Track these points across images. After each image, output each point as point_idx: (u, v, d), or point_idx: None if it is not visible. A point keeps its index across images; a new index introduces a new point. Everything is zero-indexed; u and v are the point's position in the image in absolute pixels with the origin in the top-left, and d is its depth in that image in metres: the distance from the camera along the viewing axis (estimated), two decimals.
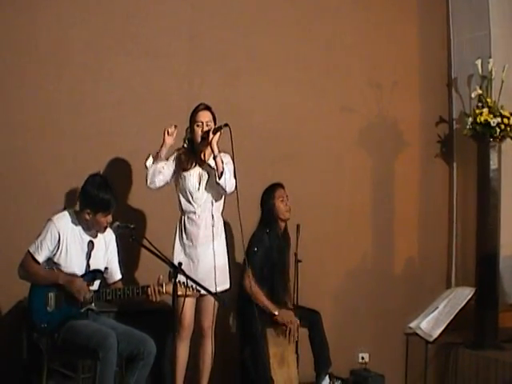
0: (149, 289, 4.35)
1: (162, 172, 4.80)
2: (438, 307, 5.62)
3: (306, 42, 6.24)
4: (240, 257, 5.41)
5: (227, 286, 4.96)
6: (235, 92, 5.98)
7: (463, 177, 6.69)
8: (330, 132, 6.34)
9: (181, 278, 4.09)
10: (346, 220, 6.39)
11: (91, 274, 4.47)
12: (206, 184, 4.86)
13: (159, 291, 4.35)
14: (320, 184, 6.25)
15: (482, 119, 5.96)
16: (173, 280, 3.99)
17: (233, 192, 4.79)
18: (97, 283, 4.51)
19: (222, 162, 4.76)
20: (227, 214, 5.00)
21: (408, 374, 5.88)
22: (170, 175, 4.88)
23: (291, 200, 5.55)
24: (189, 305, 4.75)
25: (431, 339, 5.49)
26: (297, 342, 5.61)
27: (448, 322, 5.50)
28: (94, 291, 4.45)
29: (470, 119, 6.07)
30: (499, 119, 5.93)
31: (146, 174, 4.82)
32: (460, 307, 5.57)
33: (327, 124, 6.33)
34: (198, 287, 4.22)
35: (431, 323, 5.53)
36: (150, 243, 4.11)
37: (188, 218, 4.87)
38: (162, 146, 4.83)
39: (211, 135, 4.77)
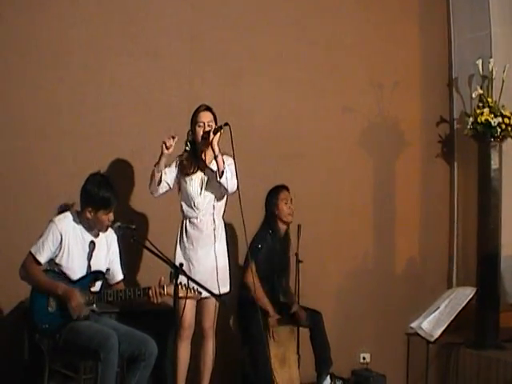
0: (150, 291, 4.35)
1: (161, 181, 4.81)
2: (439, 307, 5.62)
3: (306, 42, 6.25)
4: (242, 259, 5.41)
5: (227, 289, 4.95)
6: (236, 92, 5.98)
7: (464, 177, 6.70)
8: (331, 132, 6.35)
9: (182, 279, 4.09)
10: (347, 220, 6.39)
11: (93, 275, 4.47)
12: (209, 187, 4.86)
13: (160, 293, 4.34)
14: (321, 184, 6.25)
15: (483, 119, 5.96)
16: (174, 281, 3.99)
17: (234, 192, 4.79)
18: (98, 284, 4.51)
19: (223, 162, 4.76)
20: (228, 215, 5.00)
21: (409, 374, 5.89)
22: (172, 181, 4.89)
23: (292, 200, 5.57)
24: (190, 306, 4.75)
25: (432, 339, 5.49)
26: (298, 341, 5.63)
27: (449, 321, 5.51)
28: (96, 292, 4.45)
29: (471, 119, 6.08)
30: (500, 119, 5.94)
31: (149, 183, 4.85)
32: (461, 307, 5.57)
33: (328, 124, 6.33)
34: (199, 288, 4.22)
35: (432, 323, 5.53)
36: (152, 244, 4.11)
37: (190, 222, 4.88)
38: (160, 158, 4.78)
39: (212, 135, 4.78)
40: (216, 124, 4.87)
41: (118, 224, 4.34)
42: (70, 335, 4.33)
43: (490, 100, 6.06)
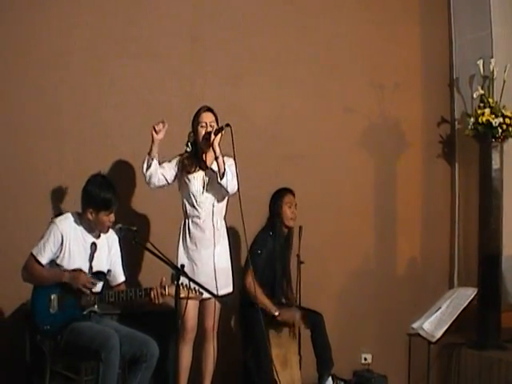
0: (152, 292, 4.36)
1: (157, 171, 4.80)
2: (440, 307, 5.62)
3: (308, 42, 6.25)
4: (243, 260, 5.41)
5: (230, 289, 4.96)
6: (237, 93, 5.99)
7: (465, 177, 6.69)
8: (332, 133, 6.34)
9: (183, 280, 4.09)
10: (349, 221, 6.39)
11: (94, 276, 4.47)
12: (210, 188, 4.87)
13: (162, 294, 4.35)
14: (322, 185, 6.25)
15: (484, 119, 5.95)
16: (175, 282, 3.99)
17: (235, 193, 4.79)
18: (100, 285, 4.51)
19: (224, 163, 4.76)
20: (230, 216, 5.00)
21: (411, 375, 5.89)
22: (171, 178, 4.89)
23: None
24: (192, 307, 4.74)
25: (434, 340, 5.48)
26: (299, 343, 5.62)
27: (450, 322, 5.50)
28: (97, 293, 4.45)
29: (472, 119, 6.07)
30: (501, 119, 5.93)
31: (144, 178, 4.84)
32: (462, 307, 5.56)
33: (329, 125, 6.33)
34: (201, 289, 4.22)
35: (434, 324, 5.53)
36: (153, 245, 4.11)
37: (192, 221, 4.88)
38: (151, 144, 4.79)
39: (213, 136, 4.78)
40: (218, 125, 4.87)
41: (120, 225, 4.34)
42: (71, 336, 4.34)
43: (491, 100, 6.05)
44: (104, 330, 4.35)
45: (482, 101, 6.11)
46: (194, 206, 4.88)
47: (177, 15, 5.83)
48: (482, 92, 6.10)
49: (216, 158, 4.77)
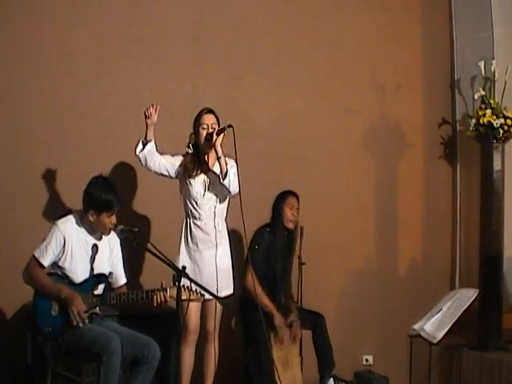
0: (154, 296, 4.35)
1: (155, 155, 4.80)
2: (441, 309, 5.62)
3: (309, 43, 6.25)
4: (241, 260, 5.40)
5: (231, 291, 4.96)
6: (238, 94, 5.99)
7: (466, 178, 6.69)
8: (334, 134, 6.35)
9: (185, 282, 4.09)
10: (350, 222, 6.39)
11: (95, 278, 4.48)
12: (212, 189, 4.87)
13: (164, 297, 4.34)
14: (323, 186, 6.25)
15: (485, 120, 5.96)
16: (177, 284, 3.99)
17: (237, 194, 4.80)
18: (101, 287, 4.51)
19: (226, 164, 4.77)
20: (231, 217, 5.00)
21: (412, 376, 5.88)
22: (172, 171, 4.88)
23: None
24: (194, 309, 4.75)
25: (435, 341, 5.48)
26: (301, 344, 5.62)
27: (452, 323, 5.50)
28: (99, 295, 4.45)
29: (473, 120, 6.07)
30: (502, 120, 5.93)
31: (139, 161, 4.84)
32: (464, 309, 5.57)
33: (330, 126, 6.34)
34: (202, 291, 4.22)
35: (435, 325, 5.53)
36: (154, 247, 4.11)
37: (193, 222, 4.89)
38: (146, 129, 4.79)
39: (215, 136, 4.78)
40: (219, 126, 4.87)
41: (121, 227, 4.34)
42: (72, 338, 4.33)
43: (492, 101, 6.05)
44: (105, 332, 4.34)
45: (483, 102, 6.11)
46: (194, 208, 4.89)
47: (178, 16, 5.83)
48: (483, 93, 6.10)
49: (218, 159, 4.77)
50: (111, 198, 4.42)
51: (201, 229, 4.88)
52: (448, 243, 6.81)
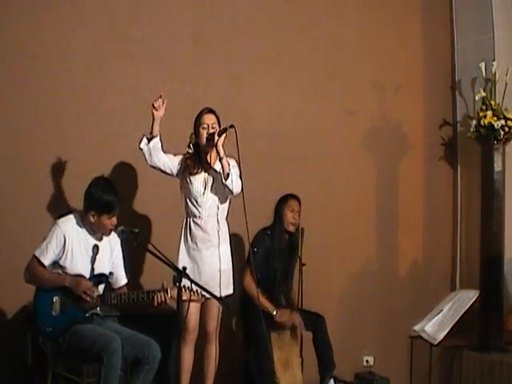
0: (155, 297, 4.35)
1: (160, 151, 4.78)
2: (442, 310, 5.61)
3: (309, 44, 6.25)
4: (243, 261, 5.40)
5: (230, 291, 4.96)
6: (239, 95, 5.99)
7: (467, 179, 6.69)
8: (334, 134, 6.35)
9: (185, 282, 4.09)
10: (350, 222, 6.39)
11: (96, 278, 4.48)
12: (212, 188, 4.87)
13: (165, 298, 4.34)
14: (324, 186, 6.25)
15: (486, 122, 5.96)
16: (177, 284, 3.99)
17: (239, 194, 4.80)
18: (101, 287, 4.52)
19: (229, 164, 4.77)
20: (232, 218, 5.00)
21: (413, 377, 5.88)
22: (173, 169, 4.87)
23: None
24: (194, 309, 4.75)
25: (436, 342, 5.48)
26: (301, 345, 5.62)
27: (452, 324, 5.50)
28: (99, 295, 4.45)
29: (474, 122, 6.07)
30: (503, 122, 5.93)
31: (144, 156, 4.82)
32: (464, 310, 5.56)
33: (331, 126, 6.34)
34: (203, 292, 4.22)
35: (436, 326, 5.53)
36: (155, 247, 4.11)
37: (193, 221, 4.89)
38: (152, 123, 4.78)
39: (217, 137, 4.78)
40: (220, 127, 4.88)
41: (122, 228, 4.34)
42: (73, 338, 4.34)
43: (493, 103, 6.05)
44: (106, 333, 4.34)
45: (484, 103, 6.11)
46: (194, 206, 4.88)
47: (179, 17, 5.83)
48: (484, 94, 6.10)
49: (220, 159, 4.77)
50: (112, 200, 4.42)
51: (200, 227, 4.87)
52: (448, 244, 6.81)
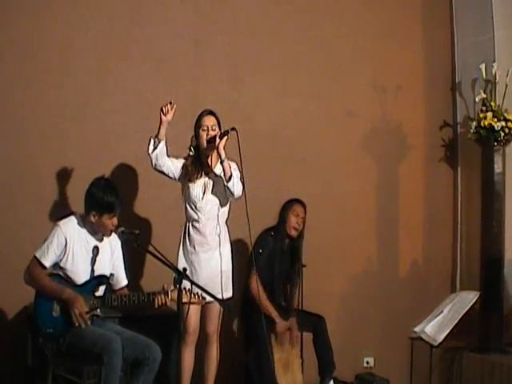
0: (155, 299, 4.35)
1: (165, 155, 4.78)
2: (442, 311, 5.61)
3: (310, 46, 6.26)
4: (245, 262, 5.39)
5: (230, 294, 4.95)
6: (240, 96, 6.00)
7: (467, 180, 6.69)
8: (335, 135, 6.35)
9: (186, 284, 4.09)
10: (351, 223, 6.39)
11: (96, 280, 4.48)
12: (212, 192, 4.87)
13: (165, 300, 4.34)
14: (324, 187, 6.25)
15: (486, 123, 5.96)
16: (177, 286, 3.99)
17: (240, 197, 4.79)
18: (102, 288, 4.51)
19: (230, 167, 4.77)
20: (233, 220, 5.00)
21: (413, 379, 5.88)
22: (176, 172, 4.86)
23: None
24: (194, 310, 4.74)
25: (436, 343, 5.47)
26: (301, 346, 5.62)
27: (453, 326, 5.49)
28: (99, 297, 4.45)
29: (474, 123, 6.08)
30: (503, 123, 5.93)
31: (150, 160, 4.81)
32: (464, 311, 5.56)
33: (332, 128, 6.34)
34: (203, 293, 4.22)
35: (436, 327, 5.52)
36: (155, 249, 4.11)
37: (192, 225, 4.89)
38: (159, 126, 4.77)
39: (218, 140, 4.78)
40: (220, 128, 4.87)
41: (122, 229, 4.34)
42: (73, 340, 4.33)
43: (493, 104, 6.05)
44: (106, 334, 4.34)
45: (484, 104, 6.11)
46: (193, 210, 4.88)
47: (180, 18, 5.84)
48: (484, 96, 6.11)
49: (221, 162, 4.76)
50: (113, 200, 4.42)
51: (199, 231, 4.87)
52: (449, 245, 6.81)
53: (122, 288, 4.64)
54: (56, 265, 4.43)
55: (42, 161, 5.37)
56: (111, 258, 4.59)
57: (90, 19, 5.55)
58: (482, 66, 6.15)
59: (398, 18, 6.62)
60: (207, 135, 4.84)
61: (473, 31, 6.59)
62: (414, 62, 6.70)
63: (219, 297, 4.66)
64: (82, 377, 4.43)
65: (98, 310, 4.45)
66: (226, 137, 4.77)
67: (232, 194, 4.80)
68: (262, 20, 6.12)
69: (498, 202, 6.05)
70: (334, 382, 5.55)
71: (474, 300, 5.65)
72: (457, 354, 5.97)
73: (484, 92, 6.12)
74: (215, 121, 4.89)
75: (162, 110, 4.76)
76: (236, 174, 4.80)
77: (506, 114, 5.98)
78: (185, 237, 4.91)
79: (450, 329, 5.48)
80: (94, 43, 5.55)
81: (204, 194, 4.87)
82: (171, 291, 4.33)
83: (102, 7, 5.59)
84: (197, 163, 4.90)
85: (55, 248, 4.39)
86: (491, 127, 5.94)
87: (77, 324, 4.32)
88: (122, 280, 4.65)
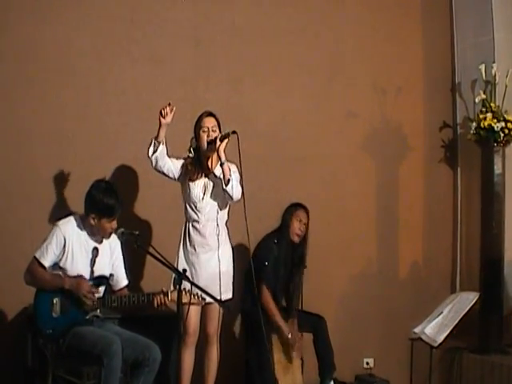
0: (155, 300, 4.35)
1: (165, 157, 4.78)
2: (442, 312, 5.61)
3: (310, 47, 6.25)
4: (244, 264, 5.38)
5: (230, 295, 4.95)
6: (240, 98, 5.99)
7: (467, 181, 6.69)
8: (335, 136, 6.35)
9: (186, 285, 4.09)
10: (351, 224, 6.39)
11: (96, 281, 4.48)
12: (212, 193, 4.87)
13: (165, 301, 4.34)
14: (324, 188, 6.25)
15: (486, 124, 5.96)
16: (177, 287, 3.99)
17: (239, 200, 4.79)
18: (102, 289, 4.51)
19: (230, 170, 4.77)
20: (232, 221, 4.99)
21: (413, 379, 5.86)
22: (176, 173, 4.86)
23: None
24: (194, 312, 4.73)
25: (436, 344, 5.47)
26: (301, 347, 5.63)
27: (452, 326, 5.49)
28: (99, 297, 4.45)
29: (474, 124, 6.08)
30: (503, 124, 5.94)
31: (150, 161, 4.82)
32: (464, 312, 5.56)
33: (332, 129, 6.34)
34: (203, 294, 4.22)
35: (436, 328, 5.52)
36: (155, 250, 4.11)
37: (192, 225, 4.89)
38: (159, 129, 4.76)
39: (218, 142, 4.78)
40: (220, 130, 4.87)
41: (122, 230, 4.33)
42: (73, 340, 4.34)
43: (493, 105, 6.06)
44: (106, 335, 4.34)
45: (484, 105, 6.12)
46: (194, 211, 4.88)
47: (180, 20, 5.84)
48: (484, 96, 6.11)
49: (221, 165, 4.76)
50: (113, 203, 4.41)
51: (199, 232, 4.87)
52: (449, 246, 6.81)
53: (122, 288, 4.64)
54: (56, 265, 4.44)
55: (42, 161, 5.37)
56: (111, 258, 4.60)
57: (91, 20, 5.55)
58: (482, 67, 6.15)
59: (398, 20, 6.62)
60: (208, 137, 4.84)
61: (473, 32, 6.59)
62: (413, 62, 6.70)
63: (219, 298, 4.66)
64: (81, 378, 4.44)
65: (98, 311, 4.46)
66: (226, 139, 4.77)
67: (231, 198, 4.80)
68: (262, 21, 6.12)
69: (497, 202, 6.05)
70: (334, 382, 5.55)
71: (474, 301, 5.65)
72: (457, 355, 5.97)
73: (484, 93, 6.12)
74: (215, 122, 4.89)
75: (160, 112, 4.75)
76: (235, 176, 4.79)
77: (505, 115, 5.98)
78: (185, 237, 4.91)
79: (450, 329, 5.48)
80: (94, 44, 5.56)
81: (204, 194, 4.87)
82: (171, 292, 4.33)
83: (102, 8, 5.59)
84: (196, 164, 4.90)
85: (54, 248, 4.40)
86: (491, 128, 5.95)
87: (88, 302, 4.35)
88: (121, 280, 4.65)
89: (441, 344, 5.49)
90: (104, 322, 4.54)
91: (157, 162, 4.78)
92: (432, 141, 6.76)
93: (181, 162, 4.91)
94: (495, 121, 5.94)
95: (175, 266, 4.59)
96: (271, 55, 6.11)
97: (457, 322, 5.51)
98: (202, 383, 5.03)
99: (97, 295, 4.45)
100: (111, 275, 4.59)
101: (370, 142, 6.50)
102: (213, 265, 4.86)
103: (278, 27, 6.16)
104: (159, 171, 4.85)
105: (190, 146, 4.94)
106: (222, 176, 4.77)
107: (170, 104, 4.77)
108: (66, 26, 5.47)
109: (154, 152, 4.76)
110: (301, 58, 6.22)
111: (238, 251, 5.26)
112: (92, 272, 4.48)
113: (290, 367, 5.47)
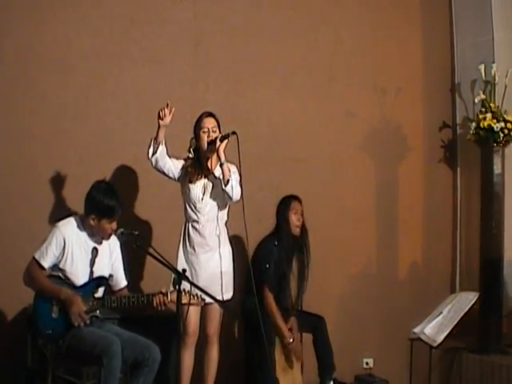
0: (154, 300, 4.35)
1: (165, 157, 4.79)
2: (442, 312, 5.62)
3: (309, 47, 6.26)
4: (243, 264, 5.39)
5: (230, 295, 4.95)
6: (239, 98, 5.99)
7: (467, 181, 6.69)
8: (334, 137, 6.35)
9: (185, 285, 4.09)
10: (350, 224, 6.39)
11: (95, 281, 4.48)
12: (211, 194, 4.87)
13: (164, 301, 4.34)
14: (324, 189, 6.25)
15: (486, 124, 5.96)
16: (177, 287, 3.99)
17: (238, 200, 4.79)
18: (101, 290, 4.51)
19: (229, 170, 4.77)
20: (232, 221, 5.00)
21: (412, 380, 5.86)
22: (176, 173, 4.87)
23: None
24: (193, 312, 4.74)
25: (435, 344, 5.48)
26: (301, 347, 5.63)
27: (452, 326, 5.50)
28: (99, 298, 4.45)
29: (474, 124, 6.08)
30: (502, 124, 5.94)
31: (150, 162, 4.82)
32: (464, 312, 5.57)
33: (331, 129, 6.34)
34: (203, 295, 4.22)
35: (435, 328, 5.53)
36: (155, 250, 4.11)
37: (192, 226, 4.89)
38: (158, 130, 4.75)
39: (218, 143, 4.78)
40: (220, 130, 4.88)
41: (121, 230, 4.33)
42: (73, 341, 4.34)
43: (492, 105, 6.06)
44: (106, 335, 4.34)
45: (483, 105, 6.12)
46: (193, 211, 4.89)
47: (180, 21, 5.84)
48: (483, 97, 6.11)
49: (221, 165, 4.77)
50: (113, 204, 4.41)
51: (199, 232, 4.88)
52: (448, 246, 6.81)
53: (122, 289, 4.64)
54: (55, 266, 4.43)
55: (42, 162, 5.37)
56: (110, 259, 4.60)
57: (91, 20, 5.56)
58: (482, 67, 6.15)
59: (397, 20, 6.62)
60: (208, 137, 4.84)
61: (472, 33, 6.60)
62: (413, 63, 6.71)
63: (219, 298, 4.66)
64: (81, 378, 4.44)
65: (98, 312, 4.45)
66: (226, 140, 4.77)
67: (230, 198, 4.80)
68: (262, 21, 6.13)
69: (497, 202, 6.05)
70: (334, 382, 5.54)
71: (474, 301, 5.66)
72: (456, 355, 5.97)
73: (483, 93, 6.12)
74: (215, 123, 4.90)
75: (158, 114, 4.75)
76: (235, 177, 4.80)
77: (505, 115, 5.98)
78: (184, 237, 4.92)
79: (450, 330, 5.49)
80: (94, 44, 5.56)
81: (204, 195, 4.87)
82: (171, 292, 4.33)
83: (102, 8, 5.59)
84: (196, 165, 4.90)
85: (54, 249, 4.39)
86: (490, 128, 5.95)
87: (76, 324, 4.32)
88: (121, 281, 4.65)
89: (440, 344, 5.50)
90: (104, 323, 4.54)
91: (157, 162, 4.79)
92: (431, 141, 6.77)
93: (181, 162, 4.91)
94: (495, 121, 5.94)
95: (175, 266, 4.59)
96: (271, 55, 6.11)
97: (456, 322, 5.52)
98: (202, 383, 5.04)
99: (96, 295, 4.44)
100: (111, 276, 4.59)
101: (369, 142, 6.50)
102: (213, 265, 4.87)
103: (278, 27, 6.16)
104: (159, 171, 4.86)
105: (190, 147, 4.95)
106: (221, 176, 4.78)
107: (168, 105, 4.76)
108: (66, 26, 5.48)
109: (154, 153, 4.76)
110: (301, 58, 6.23)
111: (238, 251, 5.26)
112: (91, 272, 4.48)
113: (289, 368, 5.46)
